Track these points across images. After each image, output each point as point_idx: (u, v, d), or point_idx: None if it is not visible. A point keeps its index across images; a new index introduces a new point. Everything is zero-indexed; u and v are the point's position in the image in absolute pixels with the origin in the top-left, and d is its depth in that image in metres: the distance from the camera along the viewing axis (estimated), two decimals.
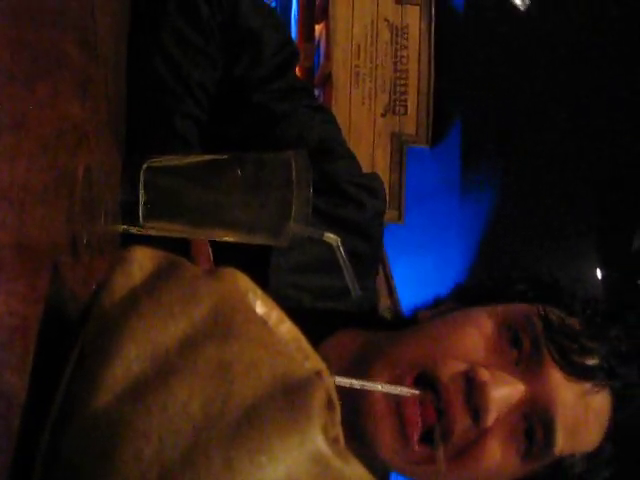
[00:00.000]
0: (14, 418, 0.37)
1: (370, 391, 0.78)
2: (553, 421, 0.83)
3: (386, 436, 0.81)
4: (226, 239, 0.73)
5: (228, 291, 0.39)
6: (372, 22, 2.41)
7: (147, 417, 0.33)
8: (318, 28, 2.56)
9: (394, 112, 2.35)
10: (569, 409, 0.83)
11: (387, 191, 2.29)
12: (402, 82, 2.37)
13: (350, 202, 0.97)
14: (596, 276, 2.25)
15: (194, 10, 0.92)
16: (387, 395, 0.80)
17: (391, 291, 1.90)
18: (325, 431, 0.37)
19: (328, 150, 0.99)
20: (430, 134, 2.35)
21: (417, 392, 0.78)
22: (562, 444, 0.84)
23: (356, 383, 0.70)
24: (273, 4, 2.61)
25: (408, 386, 0.79)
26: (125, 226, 0.73)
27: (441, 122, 2.38)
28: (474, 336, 0.84)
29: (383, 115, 2.35)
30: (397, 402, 0.80)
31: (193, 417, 0.33)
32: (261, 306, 0.40)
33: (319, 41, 2.54)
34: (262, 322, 0.39)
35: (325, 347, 0.91)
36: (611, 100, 2.00)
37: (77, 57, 0.53)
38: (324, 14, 2.47)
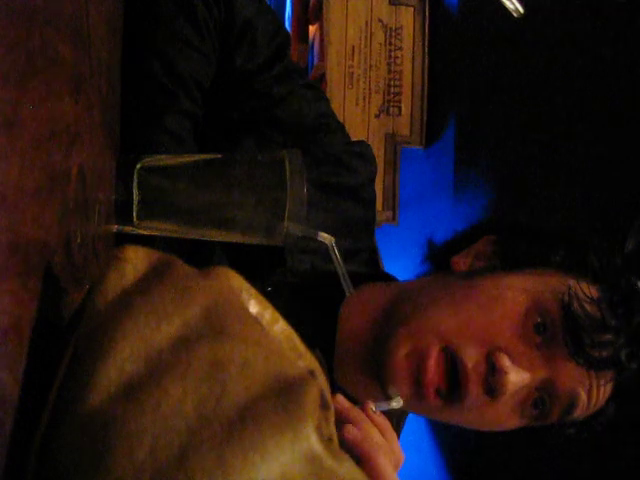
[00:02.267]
0: (7, 418, 0.37)
1: (393, 350, 0.87)
2: (574, 405, 0.89)
3: (405, 391, 0.87)
4: (220, 239, 0.73)
5: (221, 290, 0.39)
6: (366, 23, 2.41)
7: (141, 417, 0.33)
8: (312, 29, 2.56)
9: (388, 113, 2.36)
10: (586, 394, 0.89)
11: (381, 192, 2.30)
12: (396, 83, 2.38)
13: (343, 169, 1.03)
14: None
15: (190, 8, 0.93)
16: (409, 358, 0.86)
17: None
18: (319, 430, 0.37)
19: (324, 125, 1.05)
20: (424, 135, 2.35)
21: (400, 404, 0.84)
22: (575, 416, 0.91)
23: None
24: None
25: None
26: (119, 226, 0.73)
27: (435, 123, 2.38)
28: (502, 317, 0.87)
29: (377, 116, 2.35)
30: (418, 365, 0.86)
31: (187, 416, 0.33)
32: (255, 305, 0.40)
33: (313, 42, 2.54)
34: (255, 321, 0.39)
35: (350, 303, 0.96)
36: (604, 102, 2.01)
37: (70, 56, 0.53)
38: (318, 15, 2.47)
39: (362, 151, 1.08)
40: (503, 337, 0.87)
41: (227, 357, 0.35)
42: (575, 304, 0.87)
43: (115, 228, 0.73)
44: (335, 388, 0.95)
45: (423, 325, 0.88)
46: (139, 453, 0.32)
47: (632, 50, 1.90)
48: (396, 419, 0.99)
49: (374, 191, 1.10)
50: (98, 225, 0.64)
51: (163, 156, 0.76)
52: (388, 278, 1.06)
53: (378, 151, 2.32)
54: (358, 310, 0.96)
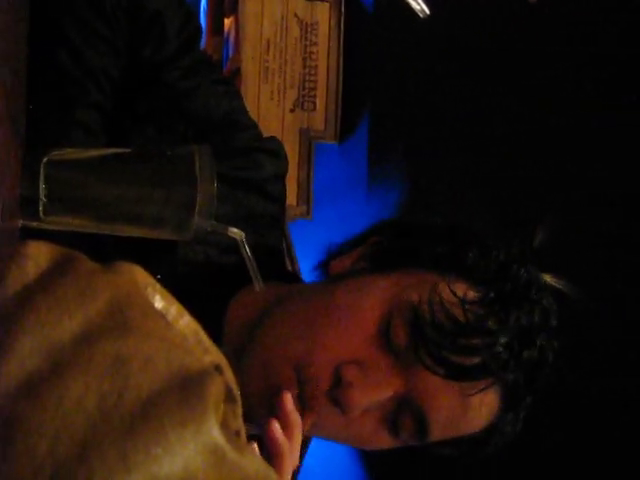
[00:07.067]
0: None
1: (248, 370, 0.83)
2: (426, 420, 0.82)
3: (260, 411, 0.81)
4: (129, 234, 0.73)
5: (125, 285, 0.39)
6: (282, 18, 2.41)
7: (42, 413, 0.33)
8: (227, 22, 2.54)
9: (303, 108, 2.37)
10: (446, 409, 0.82)
11: (295, 187, 2.31)
12: (311, 78, 2.39)
13: (248, 163, 1.02)
14: None
15: None
16: (261, 378, 0.83)
17: None
18: (225, 424, 0.38)
19: (234, 122, 1.03)
20: (338, 130, 2.37)
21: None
22: (437, 435, 0.84)
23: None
24: None
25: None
26: (24, 221, 0.72)
27: (349, 118, 2.40)
28: (354, 326, 0.82)
29: (292, 111, 2.36)
30: (270, 386, 0.81)
31: (88, 412, 0.33)
32: (160, 300, 0.40)
33: (228, 35, 2.53)
34: (160, 316, 0.39)
35: (238, 301, 0.94)
36: (515, 101, 2.07)
37: None
38: (234, 8, 2.46)
39: (270, 147, 1.06)
40: (355, 348, 0.81)
41: (130, 352, 0.35)
42: (434, 305, 0.80)
43: (20, 223, 0.72)
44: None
45: (275, 351, 0.84)
46: (39, 450, 0.32)
47: (538, 47, 1.96)
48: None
49: (283, 188, 1.08)
50: (2, 221, 0.63)
51: (71, 150, 0.75)
52: (288, 278, 1.03)
53: (292, 146, 2.33)
54: (241, 311, 0.93)
